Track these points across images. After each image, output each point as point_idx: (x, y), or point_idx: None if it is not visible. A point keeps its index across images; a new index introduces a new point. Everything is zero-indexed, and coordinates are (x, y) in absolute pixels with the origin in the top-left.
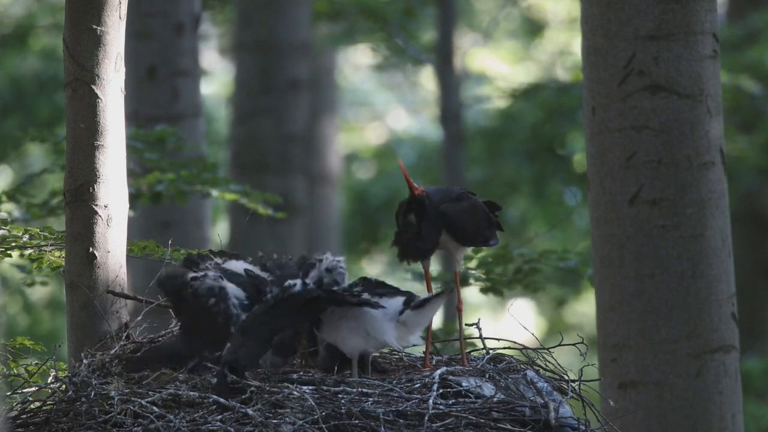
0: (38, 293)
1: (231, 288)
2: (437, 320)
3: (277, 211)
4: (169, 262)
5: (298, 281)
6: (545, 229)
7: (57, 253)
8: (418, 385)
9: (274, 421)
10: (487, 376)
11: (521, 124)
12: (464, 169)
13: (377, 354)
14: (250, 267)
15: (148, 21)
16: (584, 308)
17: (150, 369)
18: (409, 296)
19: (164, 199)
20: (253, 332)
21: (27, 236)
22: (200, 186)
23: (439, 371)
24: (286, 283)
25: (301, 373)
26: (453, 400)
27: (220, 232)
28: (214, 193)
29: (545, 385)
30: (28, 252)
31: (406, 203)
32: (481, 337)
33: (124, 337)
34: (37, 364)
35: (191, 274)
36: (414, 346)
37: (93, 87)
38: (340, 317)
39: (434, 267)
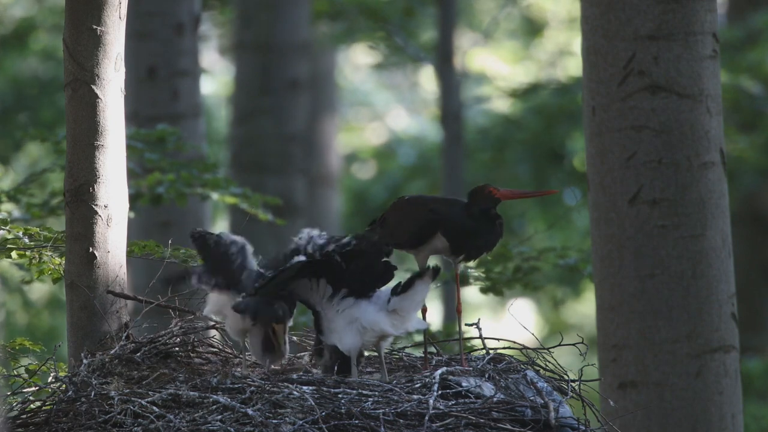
0: (38, 292)
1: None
2: (437, 321)
3: (277, 217)
4: (169, 261)
5: (301, 256)
6: (544, 228)
7: (57, 260)
8: (418, 386)
9: (274, 421)
10: (487, 376)
11: (524, 133)
12: (464, 170)
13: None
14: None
15: (148, 21)
16: (584, 308)
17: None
18: (398, 284)
19: (164, 201)
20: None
21: (26, 237)
22: (200, 188)
23: (439, 371)
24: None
25: (302, 373)
26: (453, 401)
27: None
28: (215, 196)
29: (545, 385)
30: (27, 253)
31: (493, 206)
32: (481, 337)
33: (124, 337)
34: (37, 363)
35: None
36: (415, 331)
37: (93, 87)
38: (337, 312)
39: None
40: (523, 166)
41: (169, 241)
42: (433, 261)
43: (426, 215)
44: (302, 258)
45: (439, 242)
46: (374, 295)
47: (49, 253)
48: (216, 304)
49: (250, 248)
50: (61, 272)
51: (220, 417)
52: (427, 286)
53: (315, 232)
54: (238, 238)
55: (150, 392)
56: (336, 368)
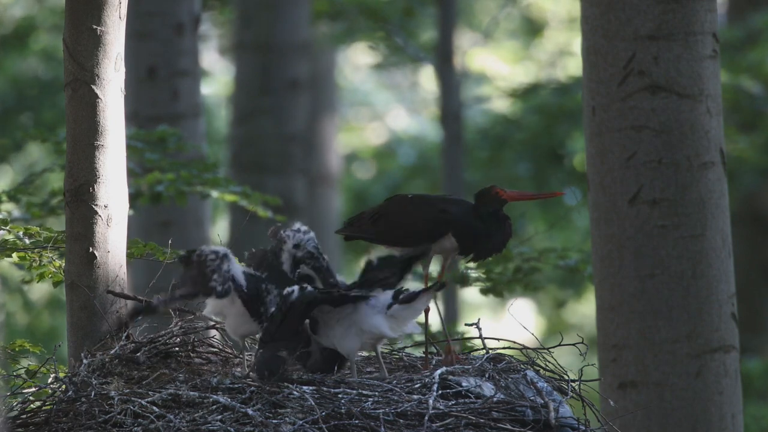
0: (38, 292)
1: (235, 263)
2: (436, 322)
3: (277, 214)
4: (168, 262)
5: (296, 288)
6: (544, 228)
7: (57, 263)
8: (418, 385)
9: (274, 421)
10: (487, 376)
11: (523, 132)
12: (464, 170)
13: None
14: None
15: (148, 21)
16: (584, 308)
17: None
18: (399, 289)
19: (164, 199)
20: (271, 345)
21: (27, 237)
22: (200, 186)
23: (439, 371)
24: (285, 292)
25: (301, 373)
26: (453, 401)
27: (220, 231)
28: (214, 194)
29: (545, 385)
30: (28, 255)
31: (500, 207)
32: (481, 337)
33: (124, 337)
34: (37, 364)
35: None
36: (411, 334)
37: (93, 87)
38: (335, 319)
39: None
40: (523, 165)
41: (169, 242)
42: (431, 266)
43: (437, 215)
44: (295, 289)
45: (448, 242)
46: (373, 299)
47: (50, 255)
48: (216, 304)
49: (231, 258)
50: (62, 274)
51: (220, 417)
52: (430, 298)
53: (303, 230)
54: (220, 248)
55: (150, 392)
56: (336, 369)
